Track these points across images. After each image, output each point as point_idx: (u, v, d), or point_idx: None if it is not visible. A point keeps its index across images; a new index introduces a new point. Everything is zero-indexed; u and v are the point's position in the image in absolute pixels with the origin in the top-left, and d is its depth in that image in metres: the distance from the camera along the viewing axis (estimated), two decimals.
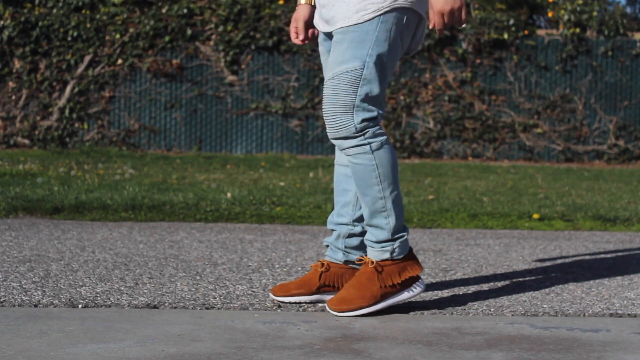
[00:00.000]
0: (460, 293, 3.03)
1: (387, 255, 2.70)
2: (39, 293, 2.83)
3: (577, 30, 11.26)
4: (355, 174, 2.68)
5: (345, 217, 2.84)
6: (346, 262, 2.85)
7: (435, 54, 11.22)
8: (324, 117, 2.69)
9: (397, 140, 11.20)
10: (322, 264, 2.84)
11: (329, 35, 2.80)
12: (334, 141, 2.70)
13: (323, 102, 2.68)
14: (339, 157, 2.86)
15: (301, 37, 2.92)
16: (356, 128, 2.63)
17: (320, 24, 2.78)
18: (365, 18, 2.62)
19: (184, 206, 5.05)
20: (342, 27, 2.65)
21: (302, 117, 11.22)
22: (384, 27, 2.63)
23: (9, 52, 10.85)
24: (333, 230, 2.87)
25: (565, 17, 11.37)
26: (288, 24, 10.95)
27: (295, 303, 2.80)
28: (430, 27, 2.60)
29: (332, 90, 2.64)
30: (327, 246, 2.91)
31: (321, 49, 2.89)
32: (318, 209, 5.20)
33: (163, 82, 11.05)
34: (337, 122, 2.64)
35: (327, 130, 2.71)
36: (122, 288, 2.95)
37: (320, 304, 2.81)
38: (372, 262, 2.69)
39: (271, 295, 2.83)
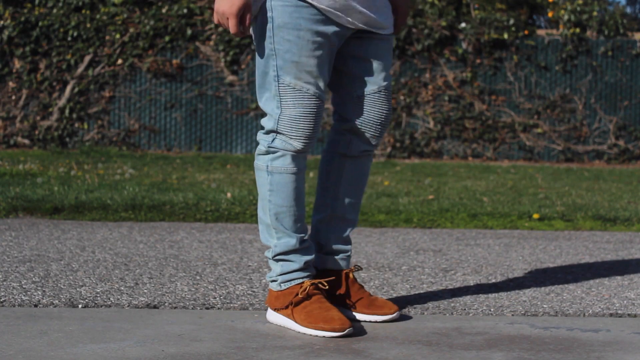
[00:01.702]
0: (460, 293, 3.03)
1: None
2: (39, 293, 2.83)
3: (577, 30, 11.26)
4: (366, 173, 2.67)
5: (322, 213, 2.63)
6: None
7: (435, 54, 11.22)
8: (387, 122, 2.64)
9: (397, 140, 11.20)
10: (320, 284, 2.54)
11: (345, 33, 2.50)
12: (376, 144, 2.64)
13: (387, 108, 2.61)
14: (298, 161, 2.48)
15: (249, 30, 2.43)
16: None
17: (356, 21, 2.50)
18: None
19: (184, 206, 5.05)
20: (390, 35, 2.60)
21: None
22: None
23: (9, 52, 10.84)
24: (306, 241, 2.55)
25: (565, 17, 11.37)
26: None
27: None
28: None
29: (389, 97, 2.63)
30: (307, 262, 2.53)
31: (330, 41, 2.47)
32: None
33: (163, 82, 11.05)
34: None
35: (379, 136, 2.62)
36: (122, 288, 2.95)
37: None
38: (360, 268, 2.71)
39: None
